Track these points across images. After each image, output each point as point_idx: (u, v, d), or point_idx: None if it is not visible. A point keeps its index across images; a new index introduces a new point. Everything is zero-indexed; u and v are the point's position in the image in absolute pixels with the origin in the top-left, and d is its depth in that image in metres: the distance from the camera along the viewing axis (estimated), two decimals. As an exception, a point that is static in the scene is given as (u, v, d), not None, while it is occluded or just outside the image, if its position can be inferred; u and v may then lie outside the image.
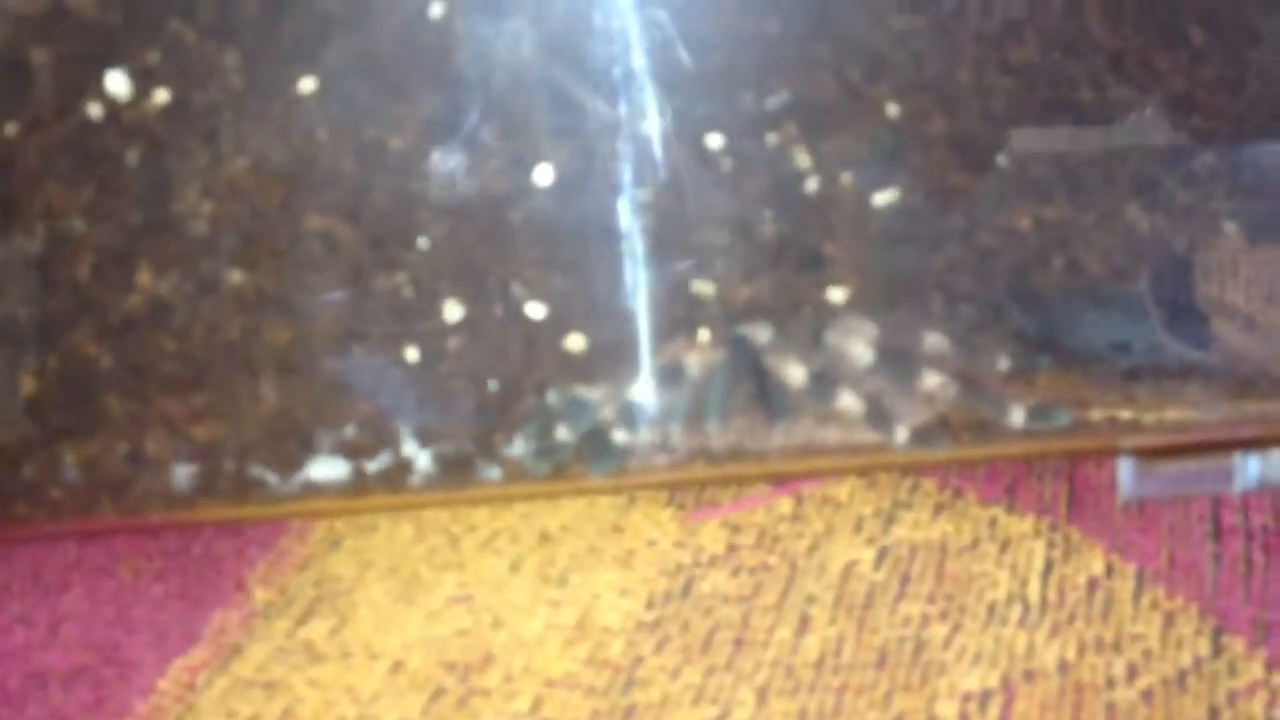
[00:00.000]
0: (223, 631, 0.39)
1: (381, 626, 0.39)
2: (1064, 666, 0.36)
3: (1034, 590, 0.38)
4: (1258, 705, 0.34)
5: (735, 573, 0.40)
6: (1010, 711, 0.35)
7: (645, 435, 0.36)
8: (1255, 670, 0.35)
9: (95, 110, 0.34)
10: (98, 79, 0.33)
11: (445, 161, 0.34)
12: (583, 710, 0.36)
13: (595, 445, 0.36)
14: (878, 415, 0.36)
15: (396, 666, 0.38)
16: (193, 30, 0.33)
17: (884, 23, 0.33)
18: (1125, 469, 0.38)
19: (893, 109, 0.34)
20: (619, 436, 0.36)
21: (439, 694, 0.37)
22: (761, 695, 0.36)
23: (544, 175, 0.34)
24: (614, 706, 0.36)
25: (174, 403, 0.35)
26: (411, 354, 0.35)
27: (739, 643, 0.37)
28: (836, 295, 0.35)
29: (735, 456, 0.37)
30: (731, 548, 0.40)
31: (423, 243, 0.34)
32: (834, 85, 0.33)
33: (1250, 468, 0.39)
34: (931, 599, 0.38)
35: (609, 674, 0.37)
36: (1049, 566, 0.39)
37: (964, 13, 0.33)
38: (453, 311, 0.35)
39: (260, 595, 0.40)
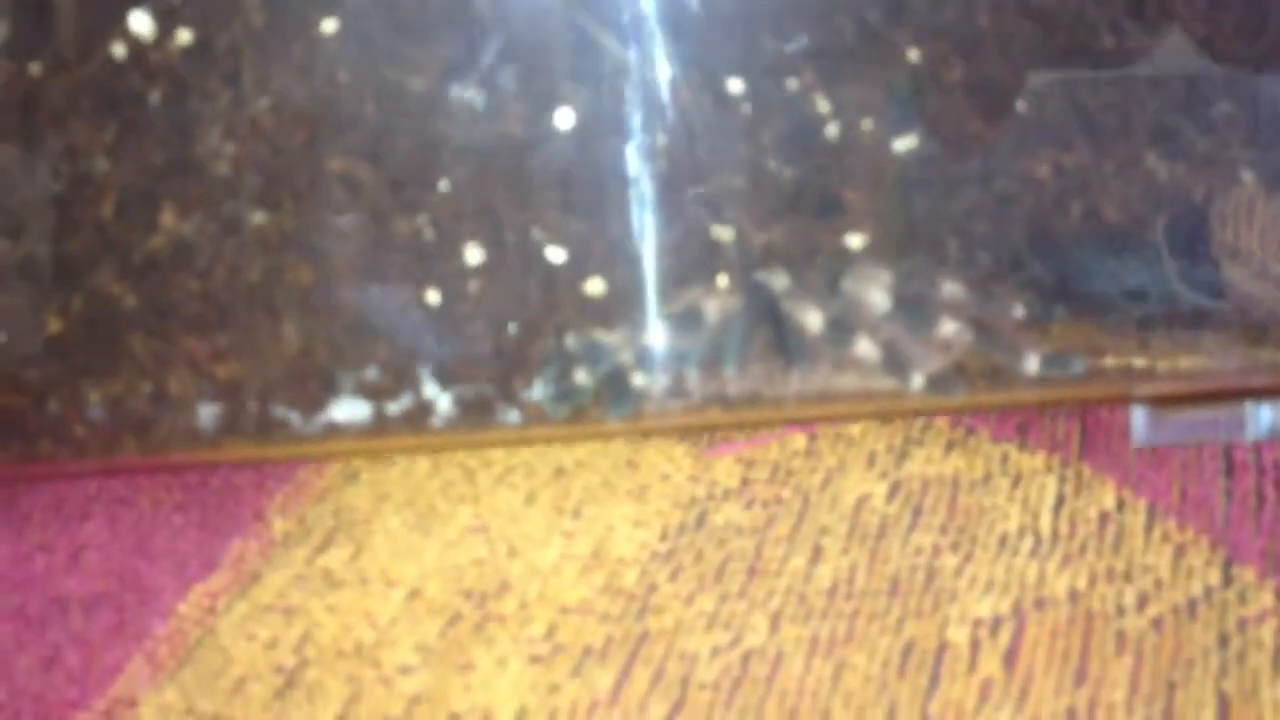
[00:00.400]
0: (242, 559, 0.40)
1: (399, 555, 0.39)
2: (1074, 595, 0.36)
3: (1045, 523, 0.38)
4: (1267, 632, 0.34)
5: (749, 505, 0.40)
6: (1021, 638, 0.35)
7: (662, 379, 0.36)
8: (1265, 599, 0.35)
9: (119, 50, 0.34)
10: (121, 19, 0.34)
11: (466, 104, 0.34)
12: (597, 635, 0.36)
13: (613, 389, 0.36)
14: (894, 362, 0.36)
15: (414, 593, 0.38)
16: None
17: None
18: (1138, 417, 0.39)
19: (913, 54, 0.34)
20: (637, 380, 0.36)
21: (455, 619, 0.37)
22: (774, 621, 0.36)
23: (565, 119, 0.34)
24: (628, 632, 0.36)
25: (197, 342, 0.36)
26: (432, 296, 0.35)
27: (752, 572, 0.38)
28: (855, 241, 0.35)
29: (751, 401, 0.37)
30: (745, 482, 0.41)
31: (444, 185, 0.35)
32: (854, 30, 0.33)
33: (1262, 416, 0.39)
34: (943, 530, 0.38)
35: (623, 601, 0.37)
36: (1060, 500, 0.39)
37: None
38: (473, 254, 0.35)
39: (279, 525, 0.41)
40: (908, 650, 0.35)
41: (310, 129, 0.34)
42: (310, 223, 0.35)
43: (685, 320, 0.35)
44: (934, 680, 0.34)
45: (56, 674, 0.37)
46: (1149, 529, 0.38)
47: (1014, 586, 0.36)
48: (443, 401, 0.36)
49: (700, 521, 0.40)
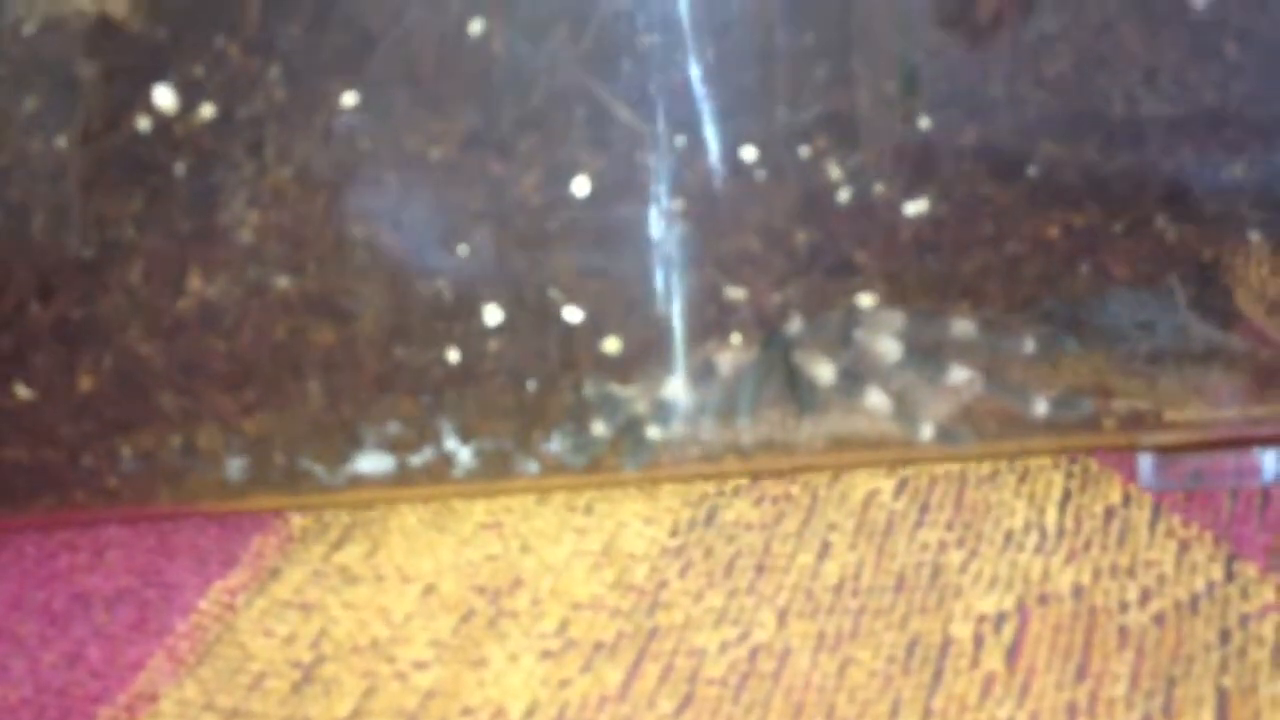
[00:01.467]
0: (261, 556, 0.41)
1: (414, 552, 0.40)
2: (1078, 591, 0.36)
3: (1051, 518, 0.39)
4: (1268, 628, 0.35)
5: (758, 502, 0.41)
6: (1024, 634, 0.35)
7: (678, 430, 0.37)
8: (1267, 594, 0.36)
9: (143, 123, 0.34)
10: (145, 93, 0.34)
11: (485, 171, 0.34)
12: (608, 631, 0.37)
13: (629, 440, 0.37)
14: (905, 412, 0.36)
15: (428, 589, 0.39)
16: (237, 46, 0.34)
17: (918, 37, 0.33)
18: (1145, 462, 0.38)
19: (925, 122, 0.34)
20: (652, 432, 0.37)
21: (469, 615, 0.38)
22: (782, 617, 0.37)
23: (581, 186, 0.34)
24: (638, 628, 0.37)
25: (225, 399, 0.36)
26: (453, 355, 0.36)
27: (760, 568, 0.38)
28: (866, 301, 0.35)
29: (765, 449, 0.38)
30: (754, 478, 0.41)
31: (463, 250, 0.35)
32: (867, 99, 0.34)
33: (1270, 463, 0.39)
34: (950, 526, 0.39)
35: (634, 597, 0.38)
36: (1067, 496, 0.39)
37: (998, 27, 0.33)
38: (492, 315, 0.36)
39: (297, 522, 0.41)
40: (912, 646, 0.36)
41: (331, 197, 0.34)
42: (333, 285, 0.35)
43: (699, 373, 0.36)
44: (937, 675, 0.35)
45: (80, 669, 0.38)
46: (1154, 524, 0.38)
47: (1018, 582, 0.37)
48: (463, 454, 0.37)
49: (710, 518, 0.40)
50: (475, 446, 0.37)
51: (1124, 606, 0.36)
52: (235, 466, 0.37)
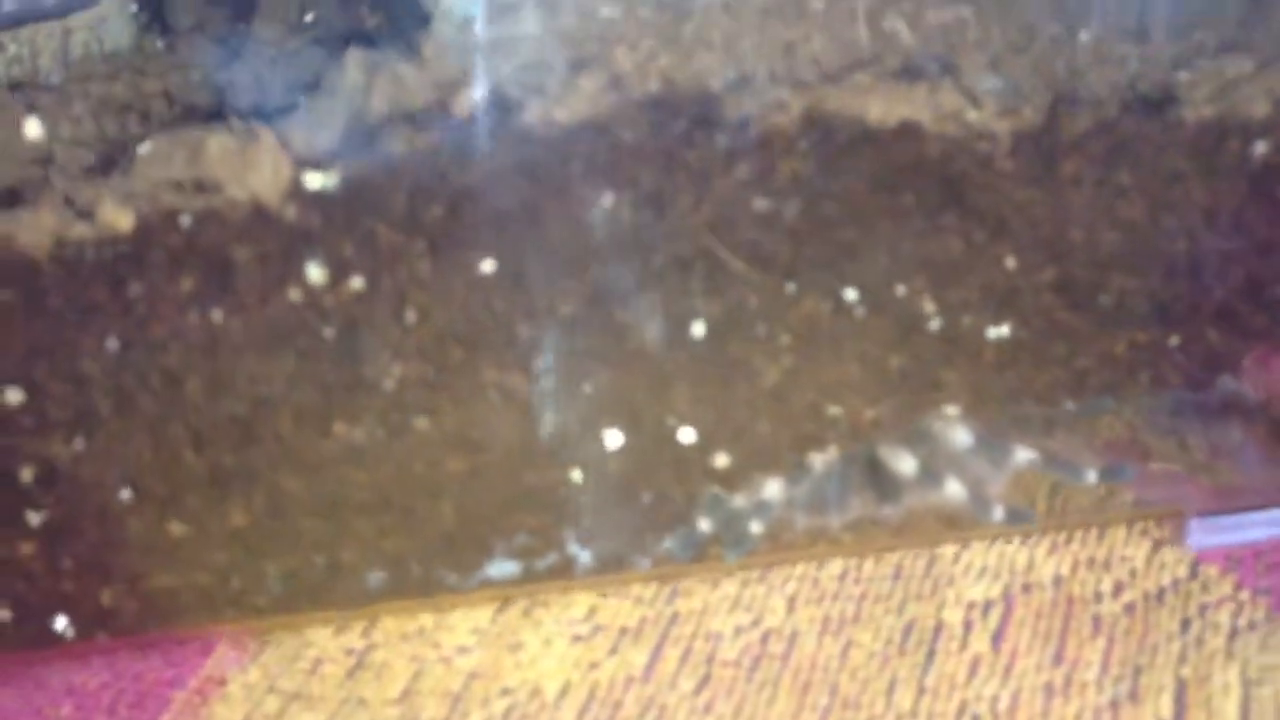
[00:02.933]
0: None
1: (454, 544, 0.44)
2: (1058, 581, 0.40)
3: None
4: (1224, 615, 0.38)
5: (768, 497, 0.44)
6: (1008, 619, 0.39)
7: (774, 523, 0.40)
8: (1225, 588, 0.39)
9: (295, 295, 0.36)
10: (299, 270, 0.36)
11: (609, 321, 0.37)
12: (632, 617, 0.41)
13: (732, 534, 0.40)
14: (978, 499, 0.40)
15: (468, 579, 0.42)
16: (384, 225, 0.36)
17: (1008, 195, 0.36)
18: (1194, 525, 0.42)
19: (1010, 262, 0.37)
20: (753, 527, 0.40)
21: (506, 604, 0.42)
22: (791, 603, 0.40)
23: (698, 329, 0.37)
24: (660, 614, 0.41)
25: (365, 522, 0.39)
26: (576, 475, 0.39)
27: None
28: (951, 412, 0.39)
29: (851, 532, 0.41)
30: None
31: (588, 388, 0.38)
32: (959, 245, 0.37)
33: None
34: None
35: (655, 585, 0.42)
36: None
37: (1079, 182, 0.36)
38: (613, 439, 0.39)
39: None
40: (908, 629, 0.39)
41: (468, 349, 0.37)
42: (467, 423, 0.38)
43: (797, 474, 0.39)
44: (930, 656, 0.38)
45: (153, 657, 0.41)
46: (1131, 523, 0.42)
47: (1005, 572, 0.40)
48: (584, 556, 0.41)
49: (724, 512, 0.44)
50: (594, 550, 0.40)
51: (1099, 596, 0.39)
52: (374, 579, 0.40)
